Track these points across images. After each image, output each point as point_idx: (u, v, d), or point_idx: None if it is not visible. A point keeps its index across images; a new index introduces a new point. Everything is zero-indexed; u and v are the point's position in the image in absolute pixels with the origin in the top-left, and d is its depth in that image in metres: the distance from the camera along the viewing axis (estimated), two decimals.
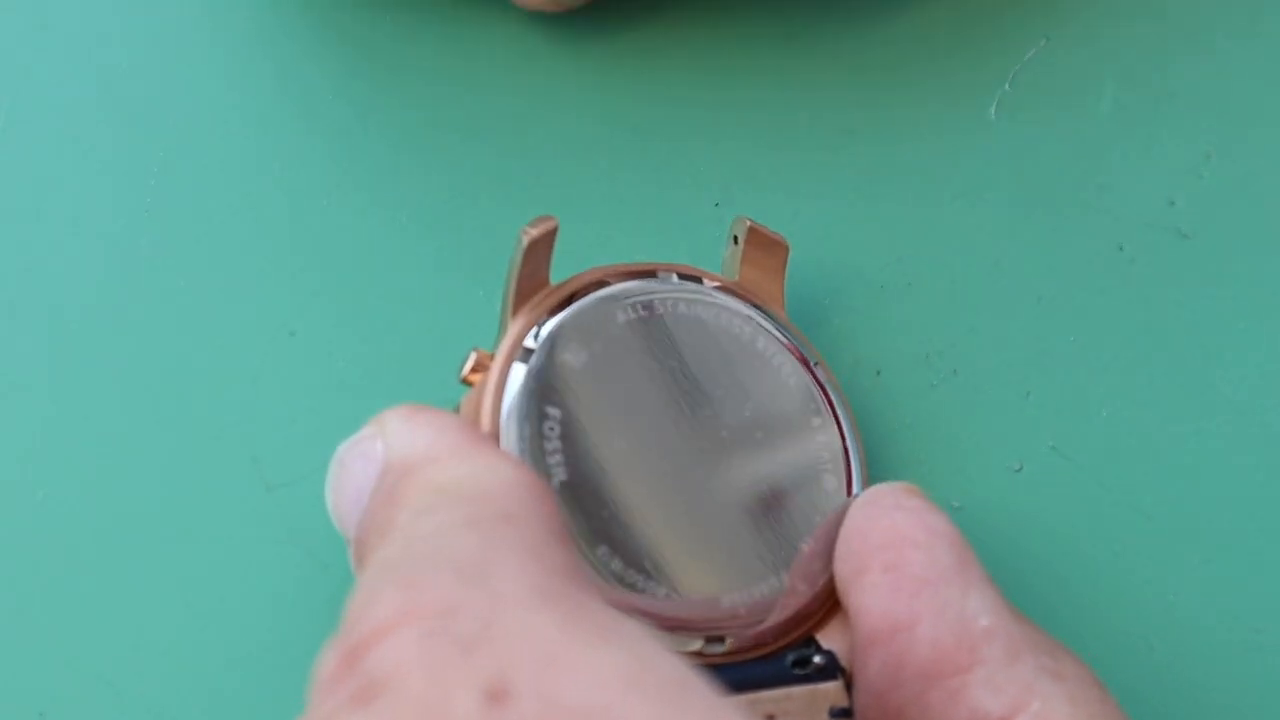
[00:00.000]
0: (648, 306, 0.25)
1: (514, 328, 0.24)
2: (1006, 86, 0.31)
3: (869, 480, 0.25)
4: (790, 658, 0.23)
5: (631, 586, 0.23)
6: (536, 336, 0.24)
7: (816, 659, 0.23)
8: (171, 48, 0.30)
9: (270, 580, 0.26)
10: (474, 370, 0.24)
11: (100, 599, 0.26)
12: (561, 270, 0.25)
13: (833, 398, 0.26)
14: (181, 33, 0.30)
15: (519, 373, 0.24)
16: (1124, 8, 0.32)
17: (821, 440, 0.25)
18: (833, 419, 0.26)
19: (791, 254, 0.27)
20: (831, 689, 0.22)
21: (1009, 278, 0.29)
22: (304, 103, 0.30)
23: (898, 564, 0.22)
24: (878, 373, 0.28)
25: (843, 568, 0.23)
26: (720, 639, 0.23)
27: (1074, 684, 0.21)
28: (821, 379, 0.26)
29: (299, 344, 0.28)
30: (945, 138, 0.31)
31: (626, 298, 0.25)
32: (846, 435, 0.26)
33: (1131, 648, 0.27)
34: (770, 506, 0.24)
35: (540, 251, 0.25)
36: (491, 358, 0.24)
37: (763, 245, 0.27)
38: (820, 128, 0.30)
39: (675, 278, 0.26)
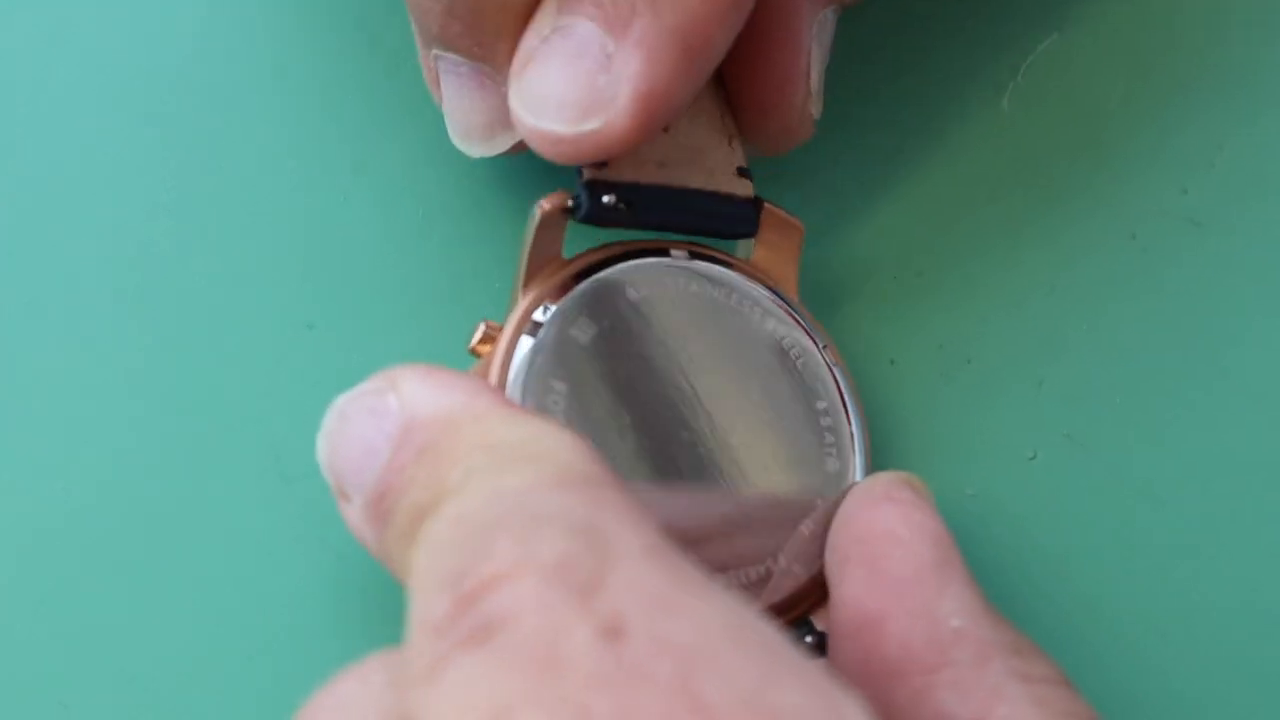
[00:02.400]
0: (659, 284, 0.25)
1: (523, 302, 0.25)
2: (1019, 78, 0.31)
3: (872, 467, 0.25)
4: None
5: None
6: (546, 311, 0.24)
7: (807, 639, 0.24)
8: (190, 43, 0.30)
9: (288, 571, 0.26)
10: (482, 341, 0.25)
11: (120, 591, 0.26)
12: (575, 246, 0.25)
13: (840, 382, 0.26)
14: (200, 28, 0.30)
15: (526, 346, 0.24)
16: None
17: (826, 424, 0.25)
18: (840, 403, 0.26)
19: (804, 245, 0.27)
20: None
21: (1022, 267, 0.29)
22: (322, 98, 0.30)
23: (876, 558, 0.22)
24: (891, 362, 0.28)
25: (829, 556, 0.23)
26: None
27: (1042, 686, 0.21)
28: (829, 362, 0.26)
29: (317, 337, 0.28)
30: (958, 129, 0.31)
31: (638, 274, 0.25)
32: (852, 420, 0.26)
33: (1145, 636, 0.27)
34: (771, 487, 0.24)
35: (553, 226, 0.25)
36: (500, 330, 0.24)
37: (778, 227, 0.27)
38: (831, 118, 0.30)
39: (688, 255, 0.26)
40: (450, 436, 0.20)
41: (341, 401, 0.22)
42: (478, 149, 0.27)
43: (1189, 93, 0.31)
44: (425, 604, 0.18)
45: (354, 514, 0.22)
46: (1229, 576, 0.27)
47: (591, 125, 0.23)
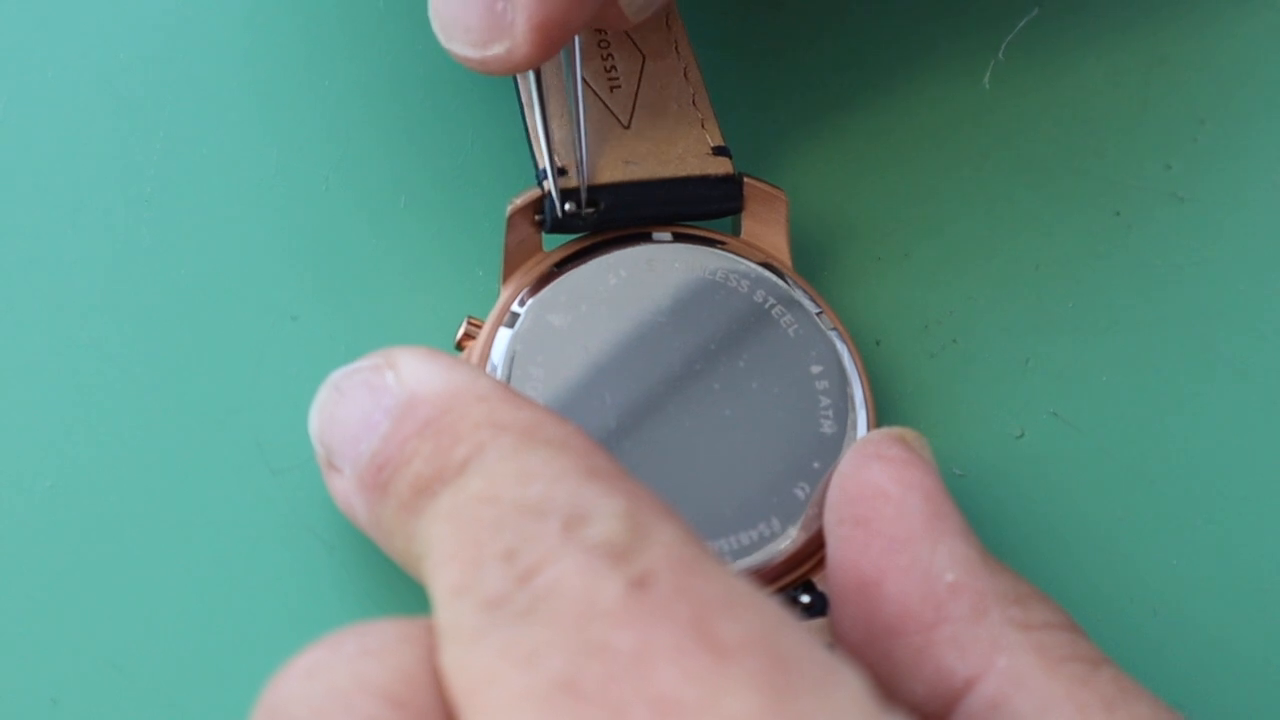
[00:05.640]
0: (638, 268, 0.26)
1: (503, 295, 0.26)
2: (1000, 55, 0.31)
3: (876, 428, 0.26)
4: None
5: None
6: (523, 302, 0.25)
7: (804, 598, 0.24)
8: (169, 31, 0.30)
9: (276, 563, 0.26)
10: (465, 337, 0.25)
11: (107, 585, 0.26)
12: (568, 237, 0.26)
13: (838, 346, 0.26)
14: (178, 15, 0.30)
15: (504, 337, 0.25)
16: None
17: (821, 387, 0.25)
18: (838, 367, 0.26)
19: (787, 226, 0.27)
20: (814, 626, 0.23)
21: (1006, 245, 0.29)
22: (302, 87, 0.30)
23: (869, 518, 0.22)
24: (877, 343, 0.28)
25: (826, 518, 0.23)
26: None
27: (1043, 633, 0.21)
28: (826, 327, 0.26)
29: (301, 329, 0.28)
30: (940, 107, 0.31)
31: (616, 260, 0.26)
32: (852, 382, 0.26)
33: (1135, 613, 0.27)
34: (766, 453, 0.25)
35: (524, 225, 0.26)
36: (482, 325, 0.25)
37: (762, 200, 0.27)
38: (813, 98, 0.30)
39: (671, 238, 0.26)
40: (455, 413, 0.21)
41: (336, 376, 0.23)
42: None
43: (1170, 68, 0.31)
44: (469, 576, 0.19)
45: (343, 485, 0.22)
46: (1219, 553, 0.27)
47: (495, 51, 0.24)
